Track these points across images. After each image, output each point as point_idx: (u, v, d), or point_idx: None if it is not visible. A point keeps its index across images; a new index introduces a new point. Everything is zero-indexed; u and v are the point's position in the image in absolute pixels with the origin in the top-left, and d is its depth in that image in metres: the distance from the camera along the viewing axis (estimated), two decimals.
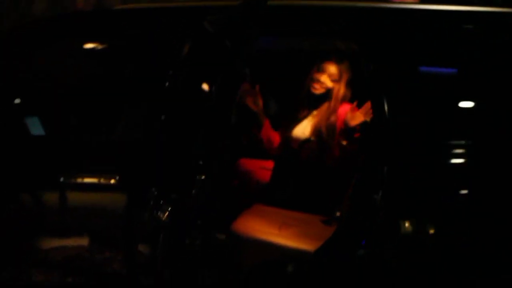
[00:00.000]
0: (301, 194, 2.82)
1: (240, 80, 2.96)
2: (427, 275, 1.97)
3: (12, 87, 2.43)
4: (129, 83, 2.34)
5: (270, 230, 2.48)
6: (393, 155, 2.02)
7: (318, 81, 2.91)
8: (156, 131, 2.15)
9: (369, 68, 2.13)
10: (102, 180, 2.16)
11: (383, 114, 2.02)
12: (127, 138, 2.29)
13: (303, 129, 2.98)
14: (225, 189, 2.90)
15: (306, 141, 2.92)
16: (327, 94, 2.93)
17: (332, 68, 2.91)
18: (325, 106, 2.95)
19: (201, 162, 2.21)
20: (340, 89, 2.92)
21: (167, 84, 2.15)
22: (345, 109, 2.83)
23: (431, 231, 1.96)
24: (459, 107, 2.10)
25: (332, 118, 2.90)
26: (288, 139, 3.01)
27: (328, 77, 2.91)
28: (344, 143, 2.77)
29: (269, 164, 3.00)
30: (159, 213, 2.06)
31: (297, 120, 3.02)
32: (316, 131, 2.93)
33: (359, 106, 2.69)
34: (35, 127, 2.34)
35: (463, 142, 2.06)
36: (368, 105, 2.60)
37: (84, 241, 2.17)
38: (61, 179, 2.17)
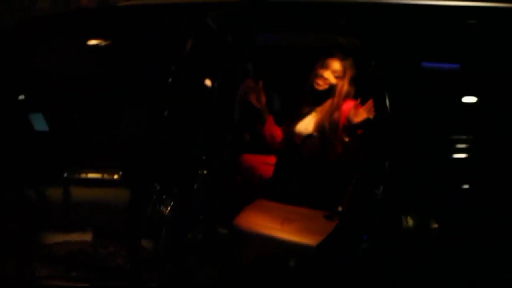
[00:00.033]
0: (303, 189, 2.82)
1: (243, 75, 2.96)
2: (427, 271, 1.97)
3: (16, 84, 2.44)
4: (133, 79, 2.35)
5: (272, 225, 2.48)
6: (395, 150, 2.02)
7: (322, 77, 2.92)
8: (158, 127, 2.16)
9: (371, 64, 2.13)
10: (105, 176, 2.17)
11: (385, 109, 2.02)
12: (130, 134, 2.30)
13: (306, 124, 2.99)
14: (227, 184, 2.90)
15: (309, 136, 2.92)
16: (331, 90, 2.93)
17: (336, 65, 2.91)
18: (328, 103, 2.95)
19: (203, 157, 2.22)
20: (344, 86, 2.92)
21: (169, 80, 2.16)
22: (348, 106, 2.82)
23: (433, 226, 1.96)
24: (461, 103, 2.09)
25: (336, 115, 2.90)
26: (291, 135, 3.02)
27: (332, 74, 2.91)
28: (347, 139, 2.77)
29: (272, 160, 3.00)
30: (161, 208, 2.08)
31: (301, 116, 3.02)
32: (319, 127, 2.93)
33: (363, 103, 2.69)
34: (39, 123, 2.35)
35: (465, 138, 2.05)
36: (371, 102, 2.60)
37: (87, 236, 2.18)
38: (65, 175, 2.18)
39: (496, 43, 2.14)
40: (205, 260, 2.36)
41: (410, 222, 1.95)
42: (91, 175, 2.19)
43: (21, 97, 2.44)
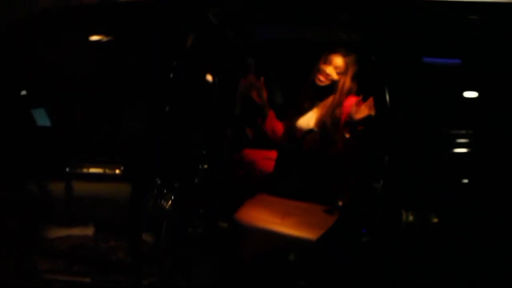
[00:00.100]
0: (303, 184, 2.83)
1: (243, 70, 2.97)
2: (427, 266, 1.97)
3: (17, 79, 2.45)
4: (134, 74, 2.35)
5: (272, 219, 2.49)
6: (395, 145, 2.02)
7: (324, 73, 2.91)
8: (159, 122, 2.16)
9: (372, 59, 2.13)
10: (107, 170, 2.17)
11: (385, 104, 2.02)
12: (131, 129, 2.30)
13: (308, 120, 2.99)
14: (228, 179, 2.91)
15: (310, 131, 2.92)
16: (332, 86, 2.93)
17: (339, 61, 2.90)
18: (330, 98, 2.95)
19: (204, 152, 2.23)
20: (346, 82, 2.91)
21: (171, 75, 2.17)
22: (350, 102, 2.82)
23: (433, 221, 1.96)
24: (462, 98, 2.09)
25: (337, 111, 2.90)
26: (292, 129, 3.02)
27: (334, 69, 2.90)
28: (348, 136, 2.77)
29: (273, 154, 3.01)
30: (162, 202, 2.09)
31: (302, 111, 3.02)
32: (320, 122, 2.93)
33: (365, 99, 2.69)
34: (42, 118, 2.36)
35: (466, 133, 2.05)
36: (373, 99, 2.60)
37: (89, 231, 2.19)
38: (67, 169, 2.19)
39: (497, 39, 2.13)
40: (205, 254, 2.37)
41: (410, 216, 1.95)
42: (92, 170, 2.19)
43: (23, 92, 2.45)
